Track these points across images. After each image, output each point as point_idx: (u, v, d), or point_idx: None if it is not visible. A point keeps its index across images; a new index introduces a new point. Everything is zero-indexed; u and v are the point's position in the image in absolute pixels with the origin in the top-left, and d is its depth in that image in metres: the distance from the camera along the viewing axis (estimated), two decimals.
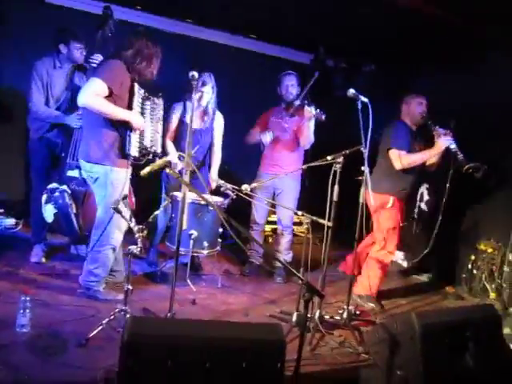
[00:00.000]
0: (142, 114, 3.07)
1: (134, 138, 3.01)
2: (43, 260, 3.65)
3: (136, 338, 1.65)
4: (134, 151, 3.00)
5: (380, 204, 3.62)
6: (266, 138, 4.01)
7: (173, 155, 3.62)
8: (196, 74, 2.81)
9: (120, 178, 3.01)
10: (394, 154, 3.58)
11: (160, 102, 3.18)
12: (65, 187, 3.54)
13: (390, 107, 5.08)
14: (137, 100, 3.01)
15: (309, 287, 1.95)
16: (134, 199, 3.85)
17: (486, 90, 4.03)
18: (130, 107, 2.96)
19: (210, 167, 3.96)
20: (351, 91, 3.13)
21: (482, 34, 4.02)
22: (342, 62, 5.80)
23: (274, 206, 4.04)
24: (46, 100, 3.60)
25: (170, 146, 3.77)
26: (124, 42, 2.98)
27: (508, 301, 3.89)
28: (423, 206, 4.70)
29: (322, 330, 2.97)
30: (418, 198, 4.78)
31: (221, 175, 3.89)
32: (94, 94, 2.80)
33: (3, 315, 2.63)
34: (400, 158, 3.54)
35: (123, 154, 3.00)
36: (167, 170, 2.01)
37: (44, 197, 3.48)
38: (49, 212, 3.48)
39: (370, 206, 3.61)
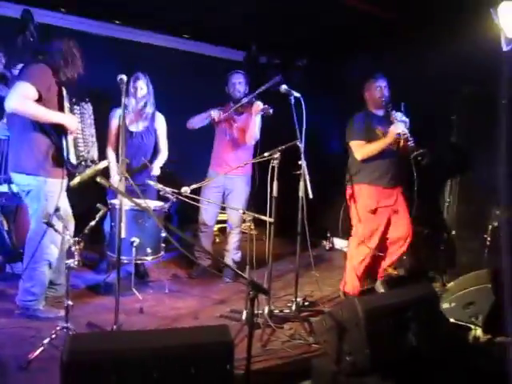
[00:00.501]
0: None
1: (70, 143, 2.88)
2: None
3: (76, 357, 1.58)
4: (72, 158, 2.88)
5: (353, 195, 3.70)
6: (216, 113, 3.92)
7: (113, 165, 3.52)
8: (124, 77, 2.74)
9: (55, 189, 2.87)
10: (352, 146, 3.64)
11: (88, 106, 3.06)
12: None
13: (326, 98, 5.24)
14: (66, 105, 2.88)
15: (253, 285, 1.96)
16: (70, 211, 3.71)
17: (419, 76, 4.21)
18: (61, 111, 2.83)
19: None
20: (283, 87, 3.18)
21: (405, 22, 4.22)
22: (275, 59, 5.87)
23: (223, 208, 4.02)
24: None
25: (111, 155, 3.69)
26: (44, 45, 2.87)
27: (446, 278, 4.11)
28: None
29: (271, 324, 3.00)
30: None
31: (163, 178, 3.81)
32: (23, 98, 2.63)
33: None
34: (357, 150, 3.59)
35: (58, 162, 2.85)
36: (98, 179, 1.94)
37: None
38: None
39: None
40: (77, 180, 2.02)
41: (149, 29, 5.23)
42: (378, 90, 3.66)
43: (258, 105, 3.73)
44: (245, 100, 3.87)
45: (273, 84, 3.65)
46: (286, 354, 2.75)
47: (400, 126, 3.49)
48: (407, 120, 3.56)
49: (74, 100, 2.94)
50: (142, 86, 3.66)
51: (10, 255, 3.43)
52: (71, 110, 2.94)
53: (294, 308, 3.25)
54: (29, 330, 2.73)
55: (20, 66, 3.34)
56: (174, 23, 5.14)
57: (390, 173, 3.64)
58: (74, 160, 2.89)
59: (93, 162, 3.01)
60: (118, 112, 3.63)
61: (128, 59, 4.94)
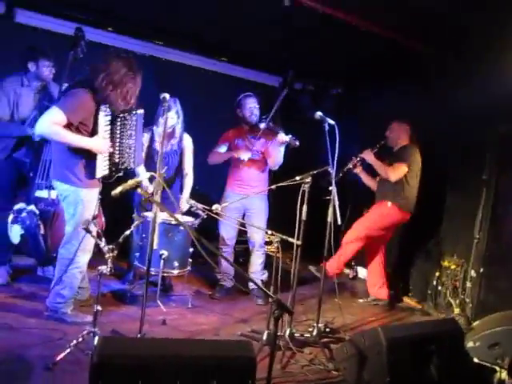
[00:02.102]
0: (112, 133, 3.00)
1: (100, 160, 2.97)
2: (8, 281, 3.54)
3: (106, 359, 1.64)
4: (100, 173, 2.97)
5: None
6: (245, 156, 3.94)
7: (143, 177, 3.62)
8: (167, 96, 2.87)
9: (91, 197, 3.00)
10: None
11: (131, 117, 3.07)
12: (32, 207, 3.48)
13: (354, 126, 5.30)
14: (103, 123, 2.93)
15: (278, 304, 1.98)
16: (103, 219, 3.83)
17: (442, 109, 4.27)
18: (94, 131, 2.90)
19: (181, 189, 3.96)
20: (318, 114, 3.25)
21: (437, 58, 4.28)
22: (310, 85, 5.98)
23: (244, 225, 4.03)
24: (11, 118, 3.55)
25: (141, 168, 3.80)
26: (95, 67, 2.88)
27: (471, 315, 4.02)
28: None
29: (292, 347, 3.00)
30: None
31: (191, 195, 3.90)
32: (51, 123, 2.74)
33: None
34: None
35: (93, 174, 2.97)
36: (138, 190, 2.03)
37: (10, 217, 3.41)
38: (15, 233, 3.40)
39: None
40: (119, 190, 2.11)
41: (188, 50, 5.42)
42: None
43: (283, 137, 3.73)
44: (264, 126, 3.89)
45: (280, 101, 3.85)
46: (305, 378, 2.75)
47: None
48: None
49: (111, 113, 2.98)
50: (173, 116, 3.71)
51: (43, 259, 3.54)
52: (112, 123, 3.00)
53: (315, 333, 3.24)
54: (56, 333, 2.82)
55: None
56: (212, 45, 5.34)
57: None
58: (102, 174, 2.97)
59: (127, 171, 3.09)
60: (147, 133, 3.76)
61: (167, 78, 5.15)
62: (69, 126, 2.81)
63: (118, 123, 3.05)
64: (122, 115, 3.05)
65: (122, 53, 3.04)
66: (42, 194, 3.54)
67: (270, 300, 1.99)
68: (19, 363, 2.43)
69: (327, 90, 5.98)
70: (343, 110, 5.56)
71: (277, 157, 3.93)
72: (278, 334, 3.06)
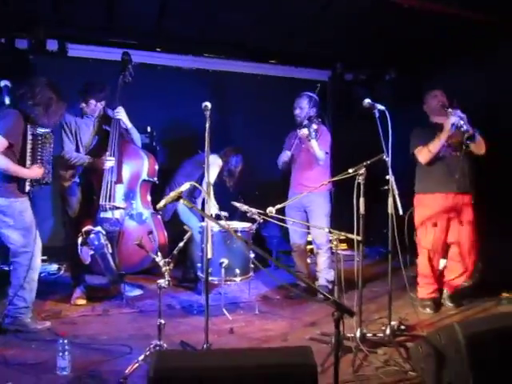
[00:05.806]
0: (33, 149, 3.13)
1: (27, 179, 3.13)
2: (83, 302, 3.72)
3: (162, 374, 1.63)
4: (27, 189, 3.13)
5: (416, 203, 3.80)
6: (284, 156, 4.15)
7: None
8: (209, 105, 2.87)
9: (26, 206, 3.13)
10: (416, 153, 3.71)
11: (49, 136, 3.22)
12: (99, 228, 3.63)
13: (416, 112, 5.00)
14: (29, 142, 3.10)
15: (337, 305, 1.87)
16: (165, 233, 3.93)
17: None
18: (23, 151, 3.06)
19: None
20: (366, 101, 3.09)
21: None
22: (361, 75, 5.77)
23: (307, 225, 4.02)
24: (77, 148, 3.77)
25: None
26: (26, 91, 3.06)
27: None
28: None
29: (363, 349, 2.84)
30: None
31: (250, 200, 3.89)
32: None
33: (46, 358, 2.69)
34: (419, 155, 3.66)
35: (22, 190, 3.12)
36: (181, 201, 2.03)
37: (79, 239, 3.58)
38: (85, 254, 3.57)
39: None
40: (162, 203, 2.13)
41: (233, 57, 5.48)
42: (434, 97, 3.71)
43: (302, 132, 3.78)
44: (305, 122, 3.84)
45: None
46: (380, 381, 2.57)
47: (453, 117, 3.45)
48: (464, 115, 3.46)
49: (36, 131, 3.13)
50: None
51: (113, 277, 3.66)
52: (33, 141, 3.13)
53: (388, 332, 3.06)
54: (125, 347, 2.90)
55: (119, 108, 3.77)
56: (258, 50, 5.34)
57: (453, 180, 3.54)
58: (28, 188, 3.13)
59: (47, 184, 3.25)
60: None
61: (218, 89, 5.23)
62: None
63: (40, 141, 3.17)
64: (42, 134, 3.17)
65: (48, 80, 3.20)
66: (106, 214, 3.70)
67: (327, 301, 1.89)
68: (94, 379, 2.52)
69: (381, 77, 5.71)
70: (401, 95, 5.28)
71: (312, 152, 3.88)
72: (349, 335, 2.96)
